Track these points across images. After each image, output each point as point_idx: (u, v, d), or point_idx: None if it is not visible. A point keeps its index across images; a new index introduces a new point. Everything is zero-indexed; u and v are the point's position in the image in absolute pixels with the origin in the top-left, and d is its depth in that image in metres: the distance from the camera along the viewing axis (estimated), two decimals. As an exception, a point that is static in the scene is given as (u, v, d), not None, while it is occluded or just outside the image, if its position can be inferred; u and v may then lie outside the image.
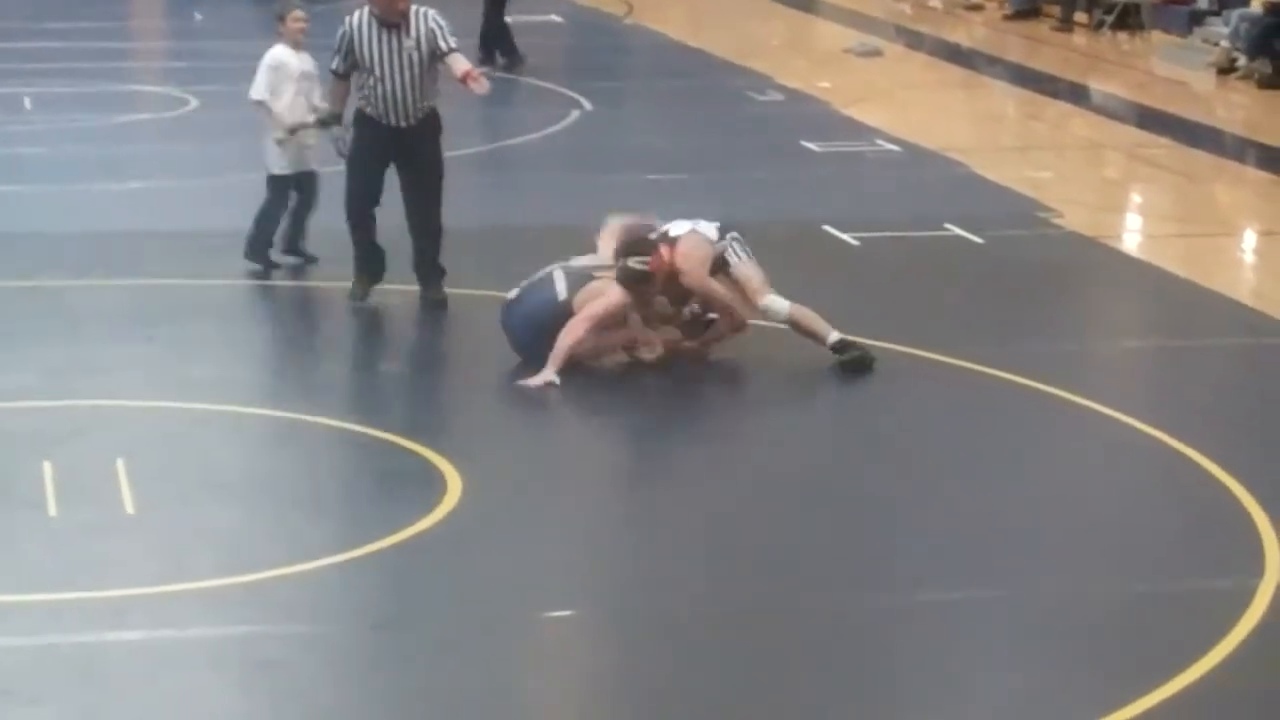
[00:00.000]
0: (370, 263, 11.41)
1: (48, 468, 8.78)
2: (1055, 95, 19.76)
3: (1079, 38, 23.27)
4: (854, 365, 10.41)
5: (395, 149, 11.25)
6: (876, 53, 22.00)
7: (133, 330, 10.97)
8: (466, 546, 8.19)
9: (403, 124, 11.18)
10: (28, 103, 17.46)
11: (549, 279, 10.39)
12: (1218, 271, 12.84)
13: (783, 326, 10.59)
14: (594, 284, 10.31)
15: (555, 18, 24.31)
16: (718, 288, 10.54)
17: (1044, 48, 22.61)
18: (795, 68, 20.60)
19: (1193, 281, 12.47)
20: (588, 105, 18.16)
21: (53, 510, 8.41)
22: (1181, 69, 21.05)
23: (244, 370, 10.46)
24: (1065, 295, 12.38)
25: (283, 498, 8.74)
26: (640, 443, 9.82)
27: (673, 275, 10.38)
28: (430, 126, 11.31)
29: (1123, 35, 23.14)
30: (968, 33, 23.98)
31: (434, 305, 11.28)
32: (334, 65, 11.29)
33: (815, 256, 12.94)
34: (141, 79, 19.78)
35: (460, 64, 11.30)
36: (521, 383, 10.01)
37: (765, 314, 10.62)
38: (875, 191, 15.02)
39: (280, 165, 11.94)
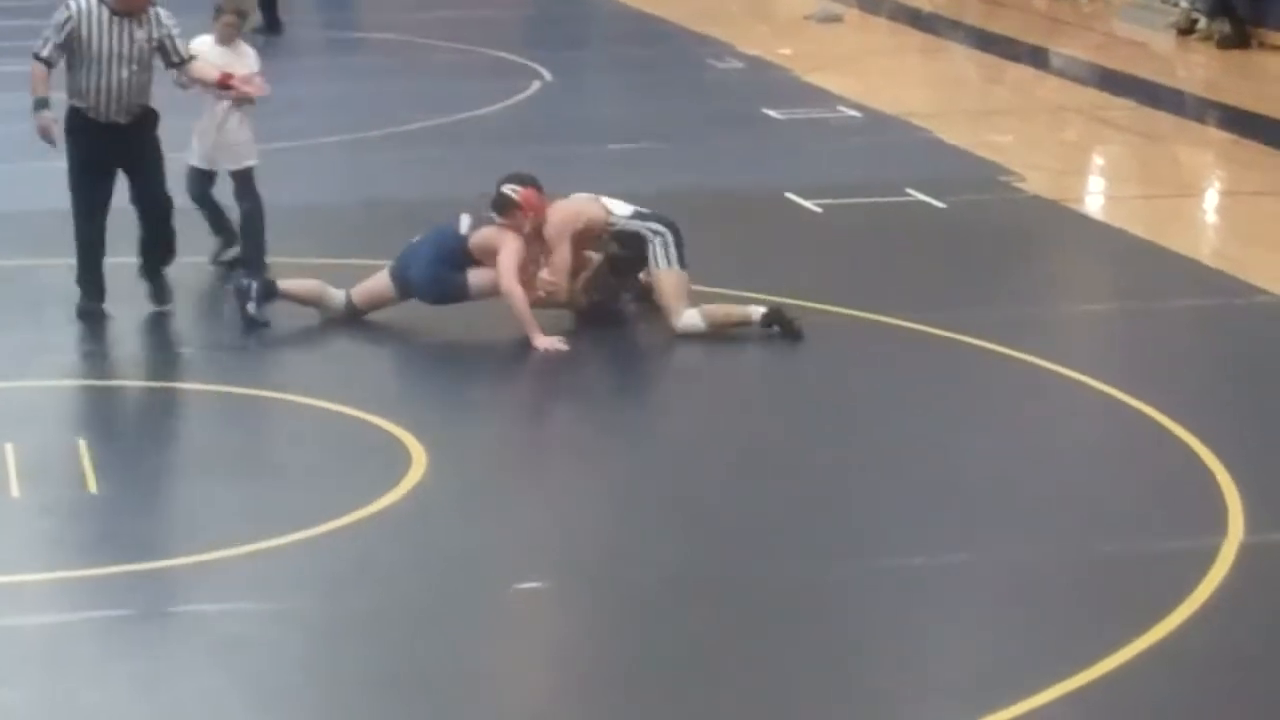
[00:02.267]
0: (98, 277, 10.73)
1: (9, 449, 8.74)
2: (1016, 59, 19.78)
3: (1040, 2, 23.27)
4: (783, 327, 10.38)
5: (118, 149, 10.59)
6: (837, 19, 21.99)
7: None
8: (433, 520, 8.18)
9: (122, 120, 10.55)
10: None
11: (454, 219, 10.64)
12: (1179, 233, 12.87)
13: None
14: (489, 229, 10.49)
15: (515, -12, 24.25)
16: (563, 254, 10.49)
17: (1004, 11, 22.61)
18: (756, 35, 20.58)
19: (1154, 243, 12.49)
20: (548, 76, 18.12)
21: (15, 491, 8.38)
22: (1142, 30, 21.07)
23: (205, 348, 10.43)
24: (1028, 259, 12.40)
25: (247, 474, 8.72)
26: (604, 415, 9.81)
27: (539, 216, 10.48)
28: (150, 120, 10.72)
29: (1083, -2, 23.16)
30: (928, -3, 23.95)
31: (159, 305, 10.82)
32: (45, 51, 10.51)
33: (777, 224, 12.94)
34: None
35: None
36: (545, 348, 10.14)
37: (684, 333, 10.53)
38: (837, 158, 15.02)
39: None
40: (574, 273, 10.63)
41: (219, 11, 11.65)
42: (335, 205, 13.07)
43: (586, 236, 10.67)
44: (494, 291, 10.40)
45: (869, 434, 9.18)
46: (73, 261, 10.78)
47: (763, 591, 7.47)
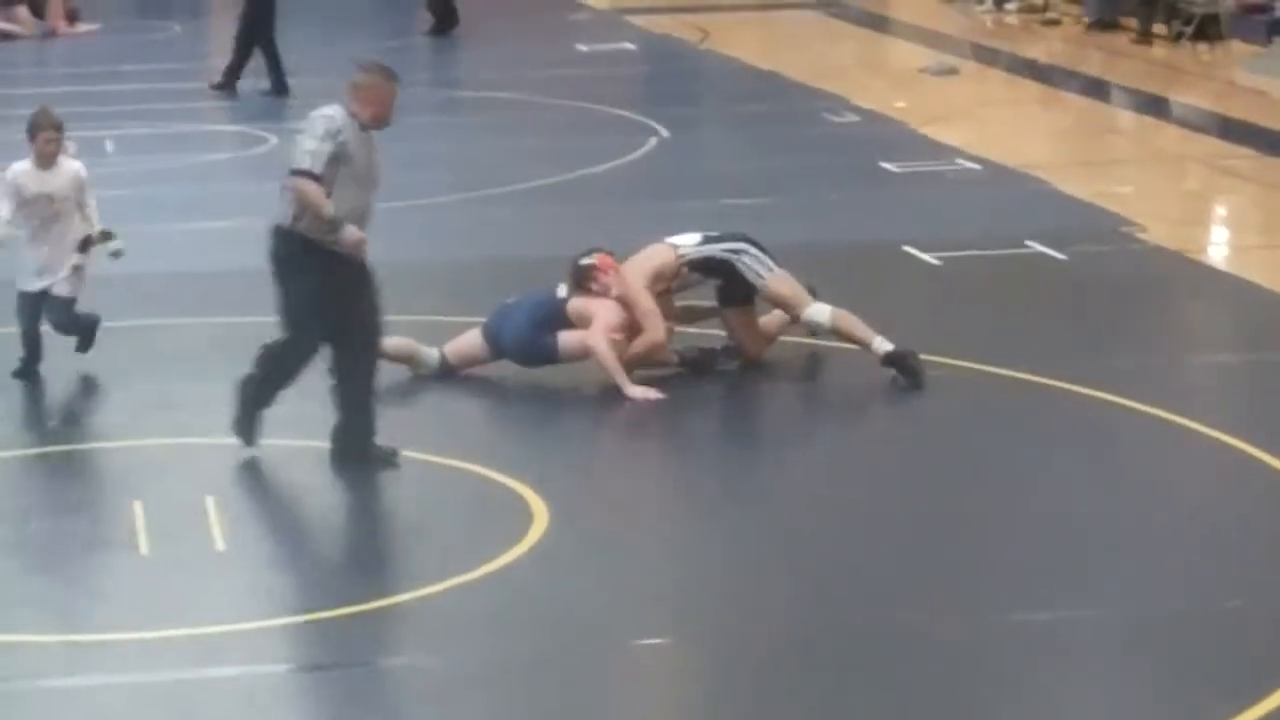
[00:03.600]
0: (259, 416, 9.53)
1: (138, 506, 8.84)
2: (1135, 108, 19.65)
3: (1158, 50, 23.11)
4: (912, 380, 10.39)
5: (351, 286, 9.25)
6: (953, 71, 21.92)
7: (218, 368, 11.02)
8: (556, 575, 8.20)
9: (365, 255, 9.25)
10: (109, 145, 17.61)
11: (553, 284, 10.71)
12: (1304, 282, 12.72)
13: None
14: (586, 297, 10.55)
15: (629, 45, 24.36)
16: (645, 300, 10.51)
17: (1123, 60, 22.47)
18: (871, 88, 20.55)
19: (1278, 292, 12.35)
20: (664, 132, 18.18)
21: (144, 548, 8.47)
22: (1262, 78, 20.87)
23: (328, 406, 10.49)
24: (1150, 310, 12.30)
25: (371, 531, 8.77)
26: (719, 468, 9.80)
27: (617, 271, 10.56)
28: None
29: (1202, 46, 22.97)
30: (1045, 47, 23.86)
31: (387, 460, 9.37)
32: (320, 168, 8.98)
33: (896, 278, 12.90)
34: (220, 118, 19.94)
35: None
36: (639, 397, 10.19)
37: (808, 325, 10.67)
38: (955, 210, 14.95)
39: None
40: (665, 318, 10.66)
41: (35, 129, 10.49)
42: (452, 262, 13.14)
43: (662, 280, 10.68)
44: (583, 355, 10.46)
45: (990, 488, 9.12)
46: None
47: (884, 647, 7.42)
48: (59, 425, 10.10)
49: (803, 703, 7.00)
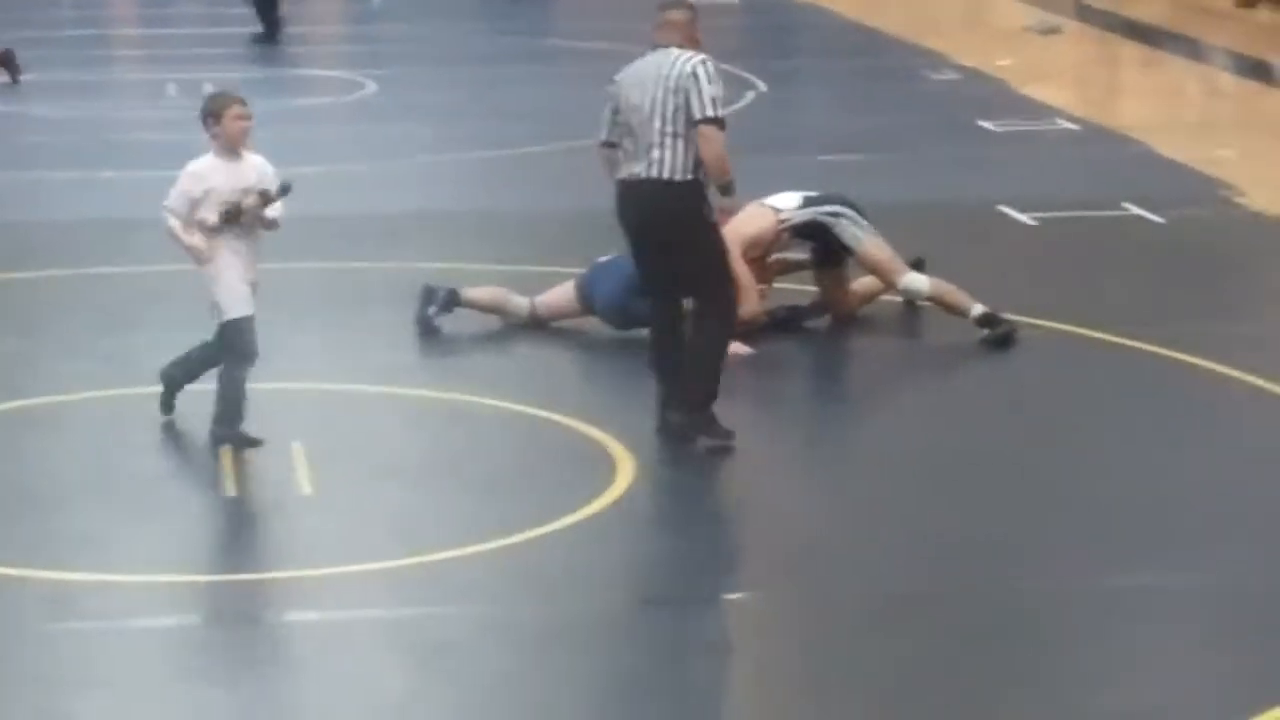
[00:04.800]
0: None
1: (225, 450, 8.89)
2: (1238, 72, 19.40)
3: (1263, 13, 22.80)
4: (1000, 340, 10.32)
5: None
6: (1056, 30, 21.72)
7: (309, 314, 11.07)
8: (640, 528, 8.20)
9: None
10: (207, 88, 17.67)
11: None
12: None
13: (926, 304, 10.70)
14: None
15: (729, -2, 24.26)
16: (740, 271, 10.25)
17: (1227, 23, 22.19)
18: (972, 46, 20.39)
19: (1381, 261, 12.20)
20: (762, 86, 18.10)
21: (231, 491, 8.52)
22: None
23: (419, 354, 10.53)
24: (1248, 276, 12.16)
25: (457, 480, 8.79)
26: (808, 424, 9.77)
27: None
28: None
29: (1309, 9, 22.64)
30: (1148, 9, 23.59)
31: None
32: (723, 114, 8.73)
33: (991, 237, 12.81)
34: (318, 63, 20.00)
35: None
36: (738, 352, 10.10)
37: (905, 293, 10.63)
38: (1053, 171, 14.84)
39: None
40: (761, 282, 10.60)
41: (219, 109, 8.68)
42: (546, 213, 13.12)
43: (759, 246, 10.61)
44: None
45: (1082, 450, 9.04)
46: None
47: (972, 606, 7.38)
48: (157, 368, 10.15)
49: (890, 659, 6.97)
